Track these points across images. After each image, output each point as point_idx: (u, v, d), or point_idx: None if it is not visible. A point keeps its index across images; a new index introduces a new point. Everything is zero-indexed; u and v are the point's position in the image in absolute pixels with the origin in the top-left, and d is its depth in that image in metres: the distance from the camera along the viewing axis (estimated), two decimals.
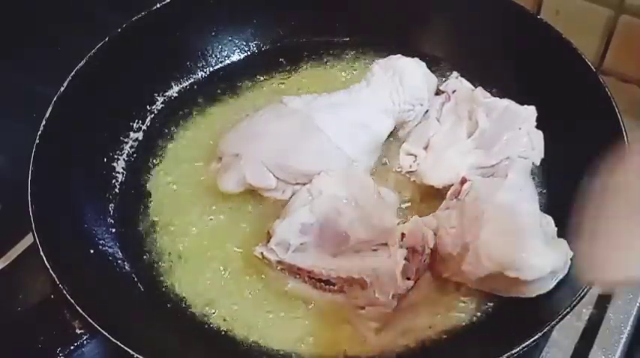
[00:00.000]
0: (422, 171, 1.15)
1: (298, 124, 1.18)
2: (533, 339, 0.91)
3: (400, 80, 1.22)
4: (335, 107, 1.21)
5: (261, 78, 1.41)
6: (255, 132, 1.19)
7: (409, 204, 1.18)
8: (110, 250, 1.14)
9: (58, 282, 0.95)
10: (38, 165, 1.09)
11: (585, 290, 0.93)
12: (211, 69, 1.44)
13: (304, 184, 1.13)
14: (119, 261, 1.13)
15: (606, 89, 1.13)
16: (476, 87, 1.22)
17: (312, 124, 1.18)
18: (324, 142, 1.17)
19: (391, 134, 1.24)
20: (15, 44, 1.35)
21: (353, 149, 1.17)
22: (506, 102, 1.17)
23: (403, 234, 0.99)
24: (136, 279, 1.12)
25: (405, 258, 0.98)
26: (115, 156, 1.22)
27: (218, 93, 1.39)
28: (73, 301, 0.94)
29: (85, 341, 0.96)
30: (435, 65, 1.33)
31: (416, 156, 1.17)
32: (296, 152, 1.15)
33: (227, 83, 1.40)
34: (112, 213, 1.19)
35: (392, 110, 1.22)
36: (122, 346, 0.91)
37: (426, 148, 1.19)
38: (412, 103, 1.23)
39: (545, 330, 0.91)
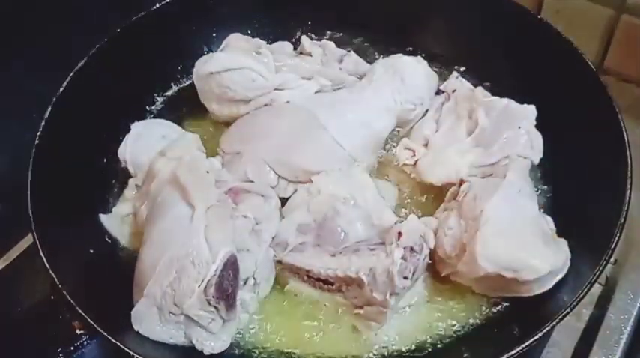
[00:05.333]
0: (421, 169, 1.15)
1: (300, 122, 1.19)
2: (533, 339, 0.91)
3: (402, 79, 1.22)
4: (337, 105, 1.21)
5: None
6: (256, 130, 1.20)
7: (409, 200, 1.18)
8: (110, 250, 1.14)
9: (57, 282, 0.96)
10: (38, 165, 1.09)
11: (585, 290, 0.93)
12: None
13: (305, 183, 1.13)
14: (119, 261, 1.13)
15: (606, 89, 1.13)
16: (476, 86, 1.22)
17: (313, 122, 1.18)
18: (326, 140, 1.17)
19: (392, 132, 1.24)
20: (15, 44, 1.35)
21: (354, 147, 1.18)
22: (506, 101, 1.17)
23: (400, 233, 0.99)
24: None
25: (403, 258, 0.98)
26: (115, 157, 1.21)
27: None
28: (72, 301, 0.94)
29: (85, 342, 0.96)
30: (436, 64, 1.33)
31: (414, 151, 1.17)
32: (297, 149, 1.15)
33: None
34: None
35: (393, 108, 1.22)
36: (122, 346, 0.91)
37: (425, 146, 1.19)
38: (414, 102, 1.23)
39: (545, 330, 0.92)
